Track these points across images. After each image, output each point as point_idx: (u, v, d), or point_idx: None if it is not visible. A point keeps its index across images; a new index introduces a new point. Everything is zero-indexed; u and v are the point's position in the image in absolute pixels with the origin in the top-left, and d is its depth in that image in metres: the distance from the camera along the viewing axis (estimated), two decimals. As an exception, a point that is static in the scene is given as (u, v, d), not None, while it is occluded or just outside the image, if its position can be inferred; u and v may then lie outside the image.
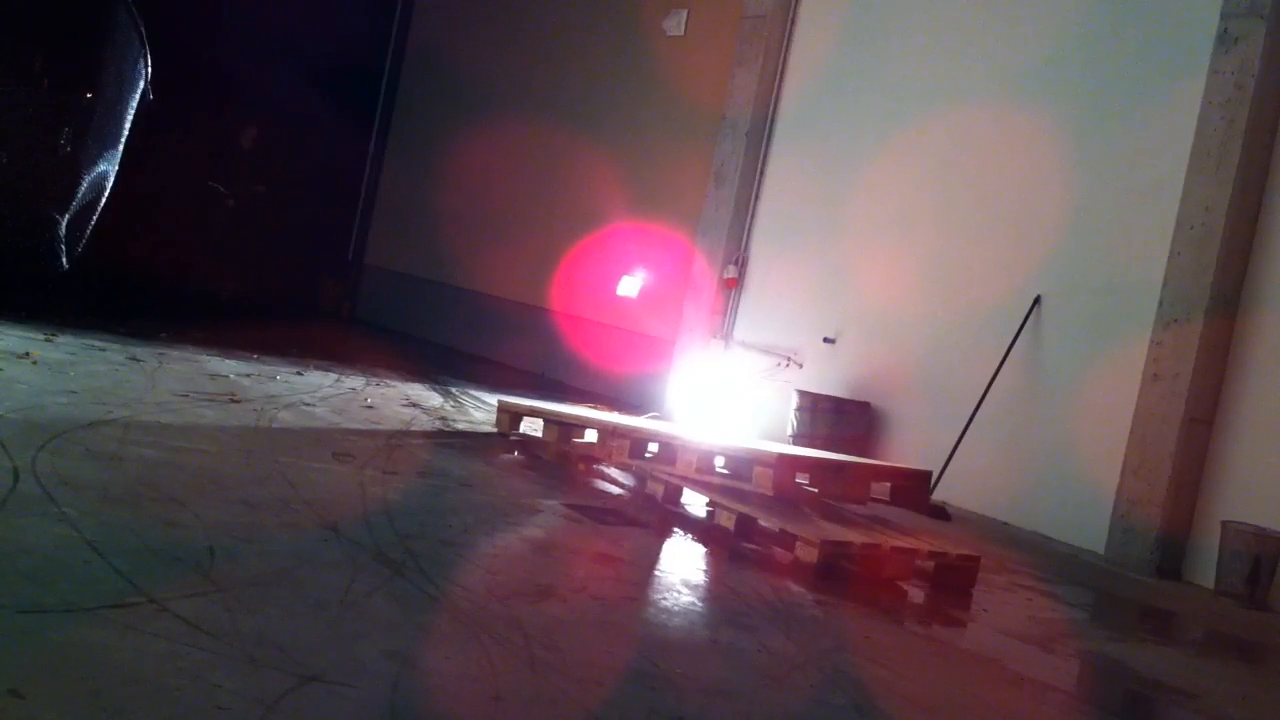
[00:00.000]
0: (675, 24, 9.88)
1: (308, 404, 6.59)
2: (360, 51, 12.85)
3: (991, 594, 5.20)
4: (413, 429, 6.55)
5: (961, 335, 7.54)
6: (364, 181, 13.17)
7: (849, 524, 5.30)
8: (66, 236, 7.81)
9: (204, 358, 7.41)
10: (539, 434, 6.69)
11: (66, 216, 7.78)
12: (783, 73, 9.06)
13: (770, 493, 5.24)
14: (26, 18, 7.46)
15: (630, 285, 9.72)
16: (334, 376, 7.83)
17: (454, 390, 8.37)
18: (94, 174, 7.87)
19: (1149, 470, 6.39)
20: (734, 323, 9.08)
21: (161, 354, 7.19)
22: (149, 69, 8.07)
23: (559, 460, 6.36)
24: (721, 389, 8.83)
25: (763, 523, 5.11)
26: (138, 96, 8.08)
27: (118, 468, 4.30)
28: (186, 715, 2.44)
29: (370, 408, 6.92)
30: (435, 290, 11.89)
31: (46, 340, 6.73)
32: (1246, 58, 6.27)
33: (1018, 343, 7.16)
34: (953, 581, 5.12)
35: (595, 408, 7.73)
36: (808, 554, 4.77)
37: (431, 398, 7.82)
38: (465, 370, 9.72)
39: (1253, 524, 6.03)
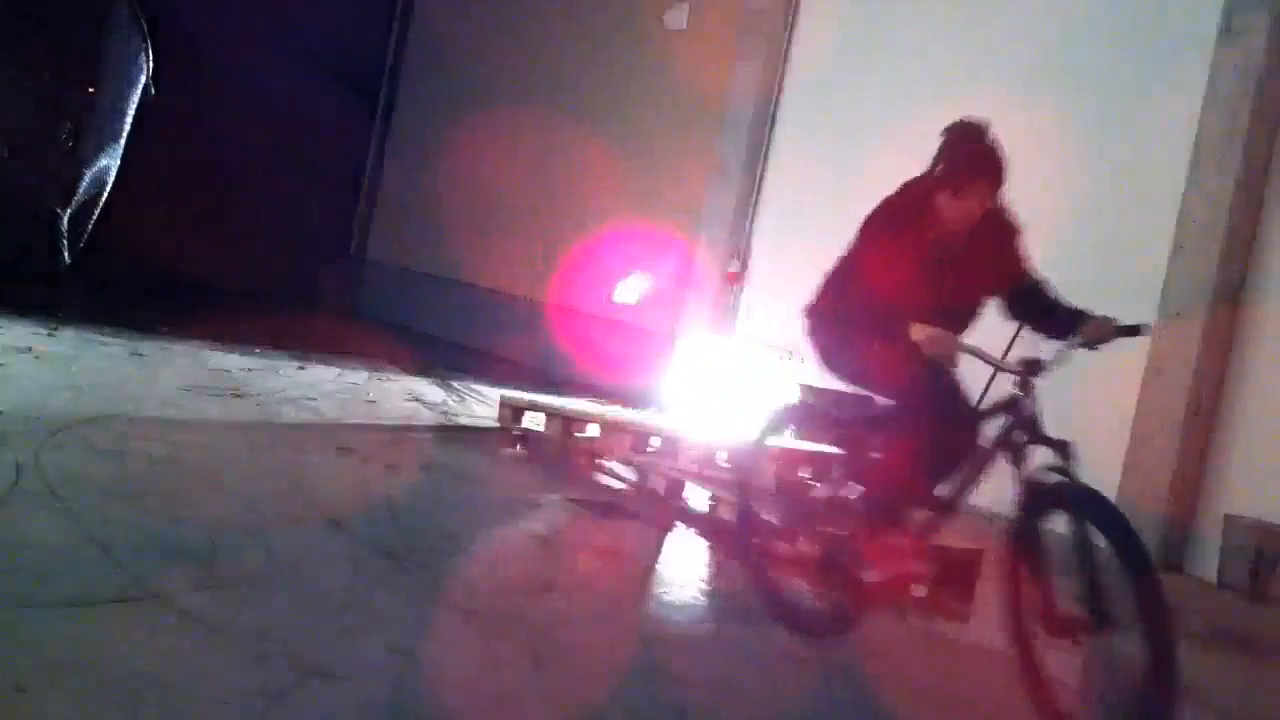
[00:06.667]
0: (676, 18, 9.85)
1: (310, 398, 6.58)
2: (363, 43, 12.81)
3: (995, 588, 5.19)
4: (415, 423, 6.55)
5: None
6: (366, 174, 13.15)
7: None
8: (68, 232, 7.82)
9: (206, 352, 7.40)
10: (541, 429, 6.68)
11: (68, 211, 7.79)
12: (785, 66, 9.03)
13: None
14: (28, 13, 7.47)
15: (627, 290, 9.67)
16: (336, 371, 7.82)
17: (456, 385, 8.36)
18: (96, 169, 7.87)
19: (1151, 464, 6.37)
20: (736, 317, 9.06)
21: (164, 348, 7.19)
22: (151, 63, 8.08)
23: (561, 455, 6.35)
24: (723, 383, 8.81)
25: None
26: (139, 91, 8.09)
27: (120, 463, 4.30)
28: (189, 710, 2.44)
29: (372, 402, 6.92)
30: (437, 284, 11.87)
31: (49, 335, 6.72)
32: (1250, 50, 6.23)
33: (1019, 338, 7.13)
34: (956, 576, 5.11)
35: (598, 402, 7.72)
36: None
37: (433, 392, 7.82)
38: (467, 365, 9.71)
39: (1256, 518, 6.02)
